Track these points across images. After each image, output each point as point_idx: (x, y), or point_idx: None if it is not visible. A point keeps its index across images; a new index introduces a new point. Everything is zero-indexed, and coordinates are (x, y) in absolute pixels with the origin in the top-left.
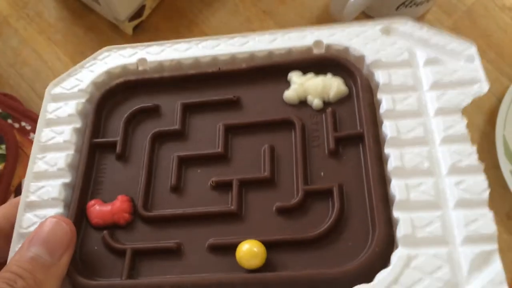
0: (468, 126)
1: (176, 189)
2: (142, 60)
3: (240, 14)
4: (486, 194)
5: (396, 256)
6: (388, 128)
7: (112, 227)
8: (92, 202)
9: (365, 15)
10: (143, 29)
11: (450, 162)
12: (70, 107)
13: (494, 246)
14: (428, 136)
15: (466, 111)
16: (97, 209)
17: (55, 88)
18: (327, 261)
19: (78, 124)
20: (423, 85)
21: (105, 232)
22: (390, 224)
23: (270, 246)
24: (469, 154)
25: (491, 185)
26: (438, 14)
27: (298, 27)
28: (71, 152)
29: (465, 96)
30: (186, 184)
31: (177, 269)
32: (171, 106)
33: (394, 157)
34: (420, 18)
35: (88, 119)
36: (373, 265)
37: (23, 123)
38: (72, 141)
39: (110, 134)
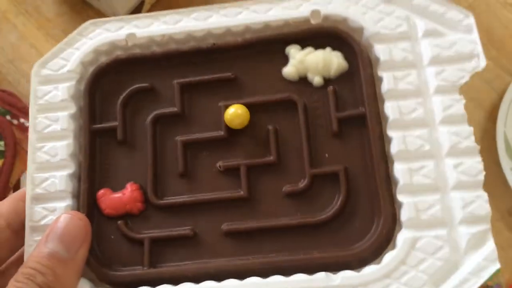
0: (468, 120)
1: (185, 175)
2: (131, 35)
3: None
4: (481, 176)
5: (402, 239)
6: (390, 109)
7: (125, 216)
8: (102, 191)
9: None
10: None
11: (449, 144)
12: (61, 91)
13: (487, 226)
14: (429, 117)
15: (466, 108)
16: (108, 199)
17: (42, 70)
18: (336, 243)
19: (72, 110)
20: (422, 60)
21: (120, 222)
22: (393, 205)
23: (282, 230)
24: (467, 135)
25: (491, 182)
26: None
27: None
28: (71, 140)
29: (464, 73)
30: (193, 168)
31: (195, 255)
32: (166, 84)
33: (397, 140)
34: None
35: (83, 103)
36: (381, 245)
37: (21, 120)
38: (70, 129)
39: (107, 118)
